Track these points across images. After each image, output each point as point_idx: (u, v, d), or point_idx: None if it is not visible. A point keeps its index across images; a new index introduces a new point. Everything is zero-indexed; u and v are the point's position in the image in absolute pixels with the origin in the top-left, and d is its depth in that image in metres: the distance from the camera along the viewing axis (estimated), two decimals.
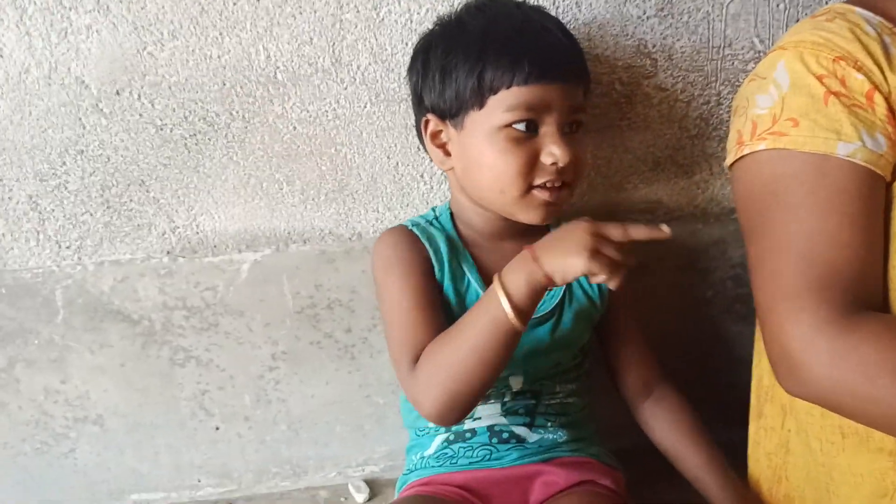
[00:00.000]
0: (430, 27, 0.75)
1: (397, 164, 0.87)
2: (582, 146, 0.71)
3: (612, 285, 0.59)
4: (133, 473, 0.95)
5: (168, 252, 0.88)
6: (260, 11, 0.79)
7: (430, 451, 0.78)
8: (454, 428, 0.78)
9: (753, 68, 0.85)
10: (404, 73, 0.81)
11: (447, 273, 0.74)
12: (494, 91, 0.67)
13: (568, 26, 0.82)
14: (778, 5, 0.83)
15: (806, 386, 0.58)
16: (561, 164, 0.68)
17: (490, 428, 0.77)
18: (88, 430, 0.93)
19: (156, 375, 0.92)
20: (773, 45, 0.85)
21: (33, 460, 0.94)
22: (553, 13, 0.82)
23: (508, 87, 0.67)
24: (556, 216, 0.73)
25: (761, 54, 0.85)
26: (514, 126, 0.68)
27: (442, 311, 0.72)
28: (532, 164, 0.68)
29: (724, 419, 1.02)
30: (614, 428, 0.83)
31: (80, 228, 0.86)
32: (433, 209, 0.81)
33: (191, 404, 0.93)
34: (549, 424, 0.78)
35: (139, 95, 0.81)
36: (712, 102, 0.88)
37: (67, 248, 0.87)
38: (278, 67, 0.82)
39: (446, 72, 0.70)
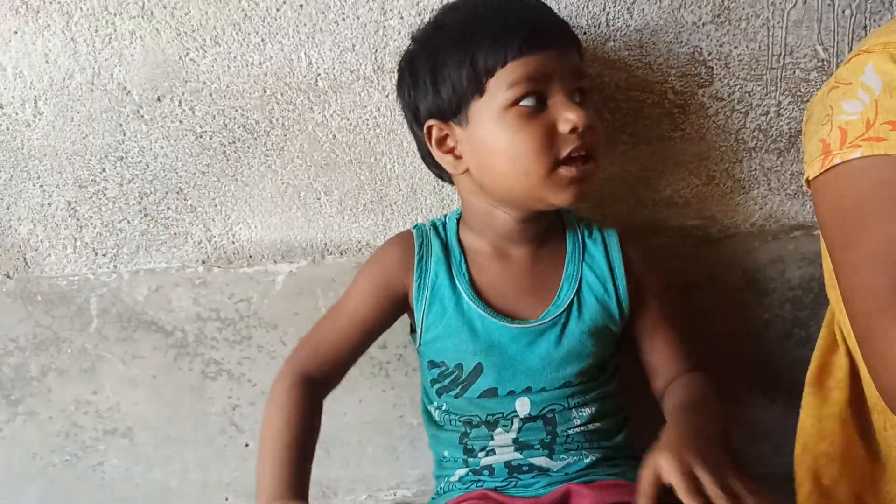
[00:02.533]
0: (407, 44, 0.74)
1: None
2: (595, 114, 0.68)
3: None
4: (161, 489, 0.93)
5: (203, 262, 0.86)
6: (303, 17, 0.78)
7: (454, 478, 0.76)
8: (471, 463, 0.74)
9: (816, 77, 0.82)
10: None
11: (431, 280, 0.72)
12: (491, 73, 0.65)
13: (619, 33, 0.80)
14: (843, 11, 0.79)
15: None
16: (580, 128, 0.64)
17: (507, 464, 0.73)
18: (118, 443, 0.92)
19: (187, 389, 0.90)
20: (837, 53, 0.80)
21: (62, 472, 0.92)
22: (603, 20, 0.79)
23: (504, 65, 0.65)
24: (585, 197, 0.68)
25: (825, 63, 0.81)
26: (521, 103, 0.65)
27: (366, 337, 0.74)
28: (551, 137, 0.65)
29: (784, 451, 0.95)
30: None
31: (117, 236, 0.85)
32: (445, 215, 0.78)
33: (221, 419, 0.91)
34: (571, 452, 0.73)
35: (180, 102, 0.81)
36: (771, 113, 0.83)
37: (104, 255, 0.86)
38: (319, 74, 0.80)
39: (437, 70, 0.68)
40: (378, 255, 0.76)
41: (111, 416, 0.91)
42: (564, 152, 0.65)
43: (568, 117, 0.64)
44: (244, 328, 0.88)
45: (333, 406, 0.91)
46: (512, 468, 0.73)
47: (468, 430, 0.74)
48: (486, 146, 0.67)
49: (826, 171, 0.61)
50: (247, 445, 0.92)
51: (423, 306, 0.72)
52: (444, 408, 0.75)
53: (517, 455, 0.73)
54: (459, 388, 0.73)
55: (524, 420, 0.72)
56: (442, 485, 0.77)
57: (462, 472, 0.75)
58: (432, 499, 0.78)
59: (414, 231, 0.75)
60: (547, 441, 0.73)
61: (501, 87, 0.65)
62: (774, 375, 0.94)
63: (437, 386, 0.74)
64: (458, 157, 0.69)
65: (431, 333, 0.72)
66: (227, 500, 0.94)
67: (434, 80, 0.68)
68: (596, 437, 0.74)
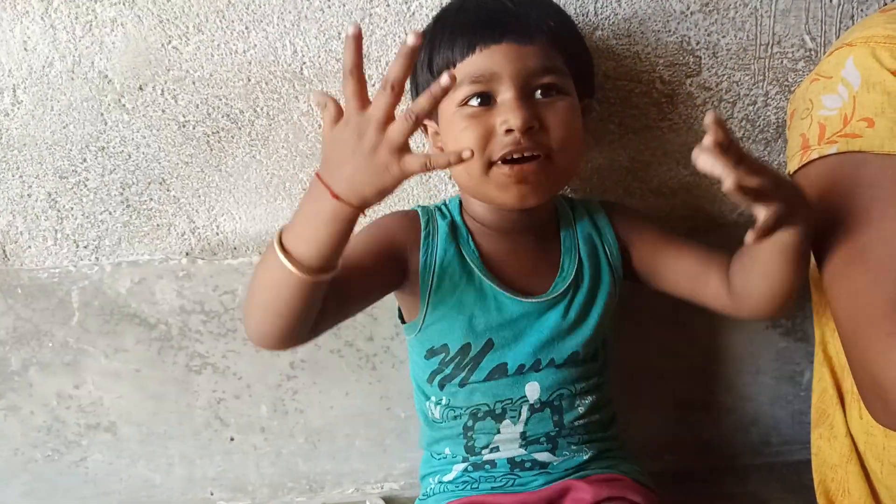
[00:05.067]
0: None
1: None
2: (561, 112, 0.65)
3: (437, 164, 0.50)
4: (145, 484, 0.92)
5: (187, 253, 0.85)
6: (287, 5, 0.77)
7: (450, 476, 0.74)
8: (472, 459, 0.73)
9: (804, 67, 0.81)
10: None
11: (439, 257, 0.70)
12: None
13: (607, 22, 0.79)
14: (831, 0, 0.79)
15: None
16: (516, 130, 0.63)
17: (510, 460, 0.72)
18: (101, 437, 0.90)
19: (171, 382, 0.89)
20: (825, 42, 0.80)
21: (44, 468, 0.91)
22: (591, 8, 0.78)
23: (454, 66, 0.66)
24: (537, 197, 0.66)
25: (812, 53, 0.81)
26: (468, 103, 0.65)
27: (364, 275, 0.65)
28: (488, 137, 0.64)
29: (770, 440, 0.96)
30: (646, 450, 0.78)
31: (99, 228, 0.84)
32: (444, 200, 0.77)
33: (206, 413, 0.90)
34: (572, 446, 0.73)
35: (162, 91, 0.79)
36: (759, 103, 0.83)
37: (85, 247, 0.85)
38: (305, 63, 0.79)
39: (414, 70, 0.71)
40: (382, 220, 0.73)
41: (94, 411, 0.89)
42: (497, 154, 0.64)
43: (504, 117, 0.63)
44: (229, 321, 0.87)
45: (320, 399, 0.90)
46: (514, 464, 0.72)
47: (472, 424, 0.72)
48: (446, 144, 0.69)
49: (805, 165, 0.61)
50: (232, 439, 0.91)
51: (429, 283, 0.70)
52: (445, 402, 0.73)
53: (521, 451, 0.72)
54: (465, 371, 0.71)
55: (532, 409, 0.71)
56: (432, 486, 0.75)
57: (460, 467, 0.73)
58: (420, 499, 0.76)
59: (419, 210, 0.74)
60: (553, 434, 0.72)
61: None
62: (760, 365, 0.94)
63: (438, 377, 0.72)
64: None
65: (439, 312, 0.70)
66: (212, 494, 0.93)
67: (414, 78, 0.71)
68: (594, 428, 0.74)
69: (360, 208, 0.52)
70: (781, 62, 0.82)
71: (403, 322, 0.75)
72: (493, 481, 0.72)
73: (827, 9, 0.80)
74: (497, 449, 0.72)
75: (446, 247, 0.71)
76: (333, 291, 0.60)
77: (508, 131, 0.63)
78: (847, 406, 0.68)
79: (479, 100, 0.65)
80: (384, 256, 0.68)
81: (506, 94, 0.64)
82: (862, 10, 0.79)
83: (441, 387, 0.72)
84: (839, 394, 0.69)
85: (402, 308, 0.75)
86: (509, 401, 0.71)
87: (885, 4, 0.69)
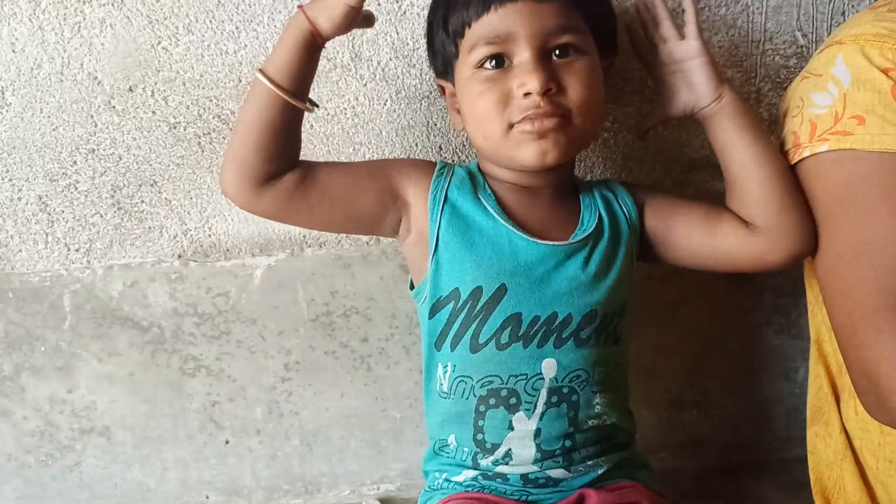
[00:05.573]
0: None
1: None
2: (580, 73, 0.64)
3: None
4: (140, 488, 0.92)
5: (179, 256, 0.85)
6: (278, 5, 0.77)
7: (459, 478, 0.71)
8: (483, 467, 0.70)
9: (796, 64, 0.82)
10: (426, 69, 0.78)
11: (451, 195, 0.69)
12: (460, 34, 0.67)
13: None
14: None
15: None
16: (535, 92, 0.62)
17: (523, 476, 0.69)
18: (95, 442, 0.90)
19: (165, 386, 0.88)
20: (816, 39, 0.80)
21: (37, 473, 0.90)
22: None
23: (469, 27, 0.65)
24: (561, 155, 0.65)
25: (804, 49, 0.81)
26: (484, 65, 0.65)
27: (348, 183, 0.70)
28: (506, 101, 0.64)
29: (763, 437, 0.96)
30: (639, 448, 0.77)
31: (90, 230, 0.84)
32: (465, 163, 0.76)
33: (200, 416, 0.90)
34: (588, 461, 0.70)
35: (153, 92, 0.79)
36: (751, 100, 0.83)
37: (76, 250, 0.84)
38: None
39: (430, 31, 0.71)
40: (399, 158, 0.79)
41: (88, 415, 0.89)
42: (517, 117, 0.64)
43: (521, 80, 0.63)
44: (222, 323, 0.87)
45: (315, 401, 0.90)
46: (527, 480, 0.69)
47: (484, 410, 0.68)
48: (463, 107, 0.68)
49: (797, 163, 0.62)
50: (227, 442, 0.90)
51: (438, 219, 0.68)
52: (454, 368, 0.68)
53: (535, 468, 0.69)
54: (477, 322, 0.67)
55: (549, 401, 0.67)
56: (439, 481, 0.72)
57: (471, 473, 0.70)
58: (425, 491, 0.73)
59: (438, 160, 0.73)
60: (568, 446, 0.68)
61: (467, 48, 0.66)
62: (754, 363, 0.94)
63: (449, 336, 0.68)
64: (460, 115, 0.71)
65: (449, 253, 0.67)
66: (207, 497, 0.92)
67: (430, 40, 0.71)
68: (610, 433, 0.71)
69: (313, 25, 0.62)
70: (773, 59, 0.82)
71: (413, 289, 0.72)
72: (504, 494, 0.69)
73: (818, 5, 0.80)
74: (510, 460, 0.69)
75: (460, 186, 0.69)
76: (313, 166, 0.68)
77: (527, 94, 0.63)
78: (842, 403, 0.68)
79: (494, 62, 0.64)
80: (382, 178, 0.69)
81: (522, 56, 0.63)
82: (853, 7, 0.79)
83: (452, 347, 0.68)
84: (834, 391, 0.69)
85: (412, 266, 0.72)
86: (524, 377, 0.67)
87: (875, 1, 0.69)
